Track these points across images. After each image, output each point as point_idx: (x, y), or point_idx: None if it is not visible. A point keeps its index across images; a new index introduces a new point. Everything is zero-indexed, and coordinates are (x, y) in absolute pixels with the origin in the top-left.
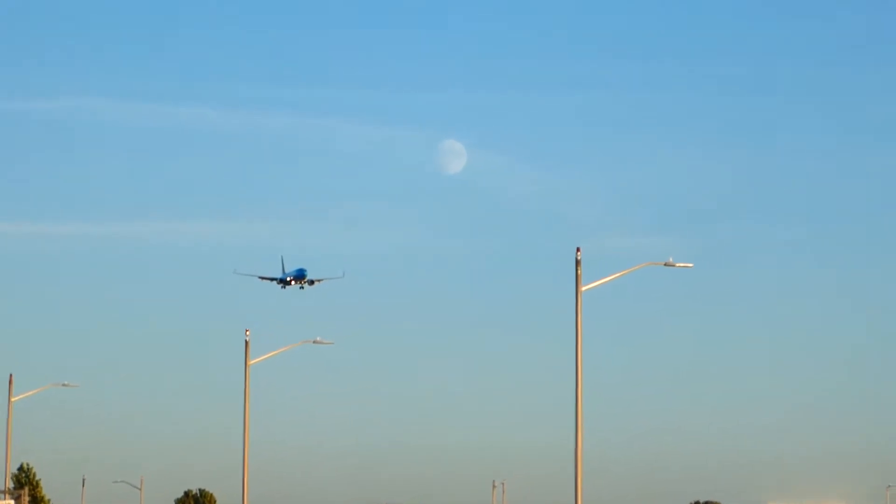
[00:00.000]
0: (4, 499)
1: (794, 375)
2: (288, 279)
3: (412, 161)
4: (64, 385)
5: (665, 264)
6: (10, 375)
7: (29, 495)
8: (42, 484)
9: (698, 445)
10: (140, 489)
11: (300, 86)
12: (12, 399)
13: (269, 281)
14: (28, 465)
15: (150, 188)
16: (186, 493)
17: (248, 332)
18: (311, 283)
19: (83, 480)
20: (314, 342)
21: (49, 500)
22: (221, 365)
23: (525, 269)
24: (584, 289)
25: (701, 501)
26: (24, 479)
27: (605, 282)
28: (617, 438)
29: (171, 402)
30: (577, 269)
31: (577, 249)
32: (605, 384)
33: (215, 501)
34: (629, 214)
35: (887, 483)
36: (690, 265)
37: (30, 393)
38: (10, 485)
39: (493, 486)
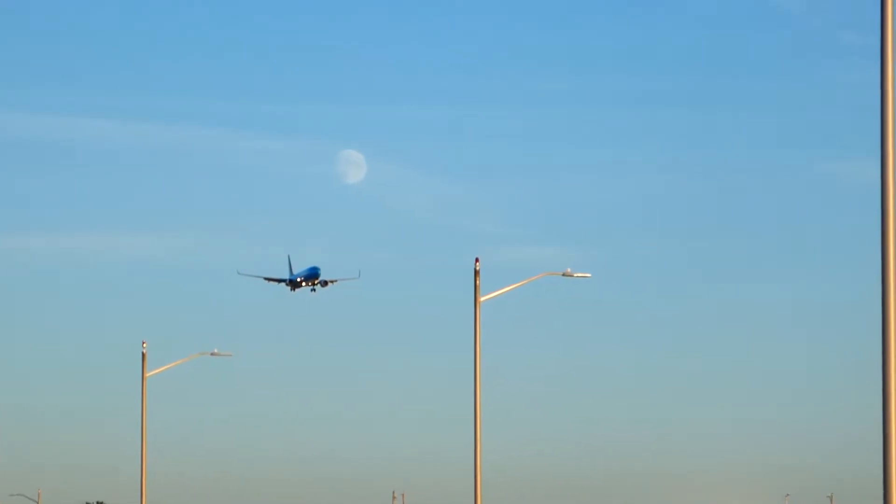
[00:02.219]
0: None
1: (691, 385)
2: (298, 280)
3: (311, 171)
4: None
5: (563, 274)
6: None
7: None
8: None
9: (597, 456)
10: (38, 502)
11: (196, 97)
12: None
13: (275, 282)
14: None
15: (43, 201)
16: None
17: (144, 344)
18: (325, 283)
19: None
20: (212, 354)
21: None
22: (120, 377)
23: (424, 279)
24: (482, 299)
25: None
26: None
27: (504, 292)
28: (516, 449)
29: (69, 414)
30: (475, 280)
31: (476, 260)
32: (505, 394)
33: None
34: (528, 225)
35: (786, 492)
36: (588, 275)
37: None
38: None
39: (393, 498)
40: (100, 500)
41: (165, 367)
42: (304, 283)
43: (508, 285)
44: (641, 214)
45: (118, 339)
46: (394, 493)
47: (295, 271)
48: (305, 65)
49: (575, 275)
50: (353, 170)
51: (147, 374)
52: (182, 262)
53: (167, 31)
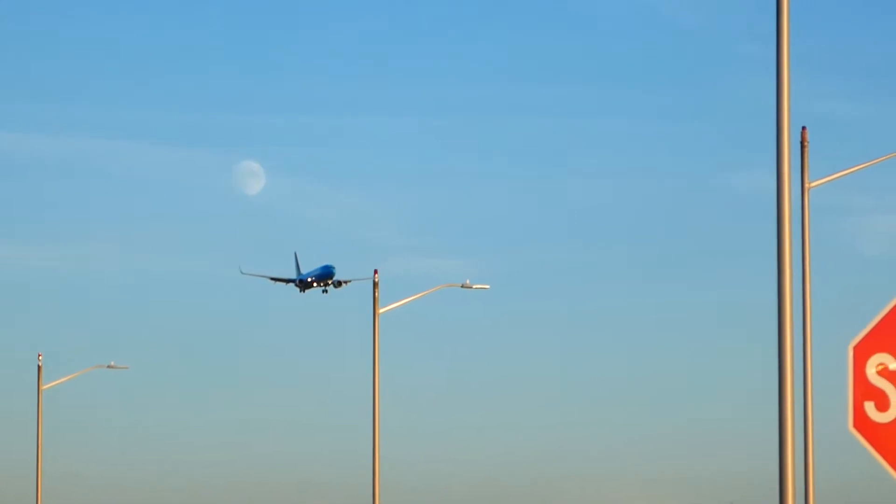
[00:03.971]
0: None
1: (589, 394)
2: (309, 280)
3: (210, 183)
4: None
5: (462, 286)
6: None
7: None
8: None
9: (496, 465)
10: None
11: (93, 106)
12: None
13: (283, 283)
14: None
15: None
16: None
17: (40, 357)
18: (339, 284)
19: None
20: (108, 367)
21: None
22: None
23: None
24: (381, 311)
25: None
26: None
27: (403, 304)
28: (414, 459)
29: None
30: (374, 292)
31: (375, 272)
32: (405, 406)
33: None
34: (427, 237)
35: (689, 500)
36: (487, 286)
37: None
38: None
39: None
40: None
41: (61, 380)
42: (315, 284)
43: (408, 296)
44: (541, 225)
45: (13, 352)
46: None
47: (304, 270)
48: (204, 75)
49: (474, 286)
50: (251, 181)
51: (43, 387)
52: (79, 274)
53: (60, 39)
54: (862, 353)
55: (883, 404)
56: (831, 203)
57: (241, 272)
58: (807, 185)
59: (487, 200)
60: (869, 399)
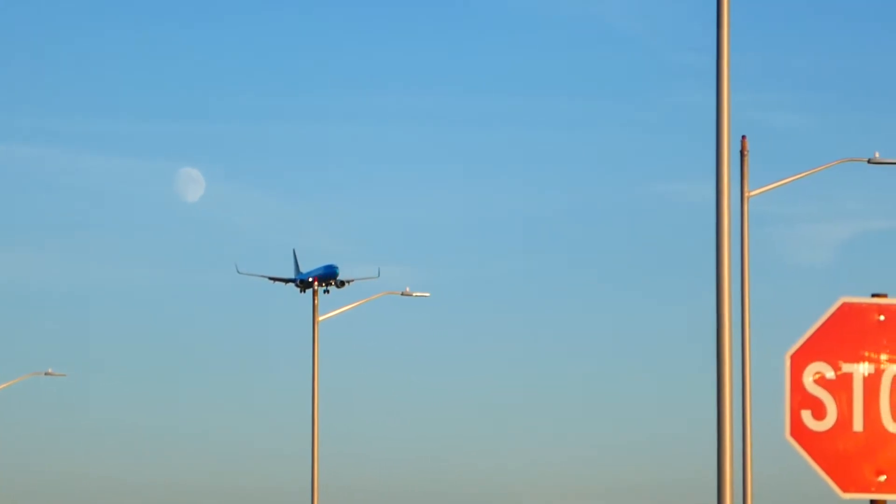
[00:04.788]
0: None
1: (529, 403)
2: (310, 279)
3: (149, 190)
4: None
5: (402, 294)
6: None
7: None
8: None
9: (438, 471)
10: None
11: (31, 115)
12: None
13: (282, 282)
14: None
15: None
16: None
17: None
18: (342, 284)
19: None
20: (45, 374)
21: None
22: None
23: (262, 299)
24: (320, 319)
25: None
26: None
27: (343, 311)
28: (355, 468)
29: None
30: (314, 299)
31: (314, 279)
32: (344, 414)
33: None
34: (368, 245)
35: None
36: (427, 294)
37: None
38: None
39: None
40: None
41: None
42: (317, 284)
43: (349, 304)
44: (481, 233)
45: None
46: None
47: (304, 269)
48: (144, 84)
49: (414, 294)
50: (192, 188)
51: None
52: (17, 283)
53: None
54: (799, 362)
55: (820, 413)
56: (771, 212)
57: (238, 271)
58: (746, 194)
59: (429, 209)
60: (806, 408)
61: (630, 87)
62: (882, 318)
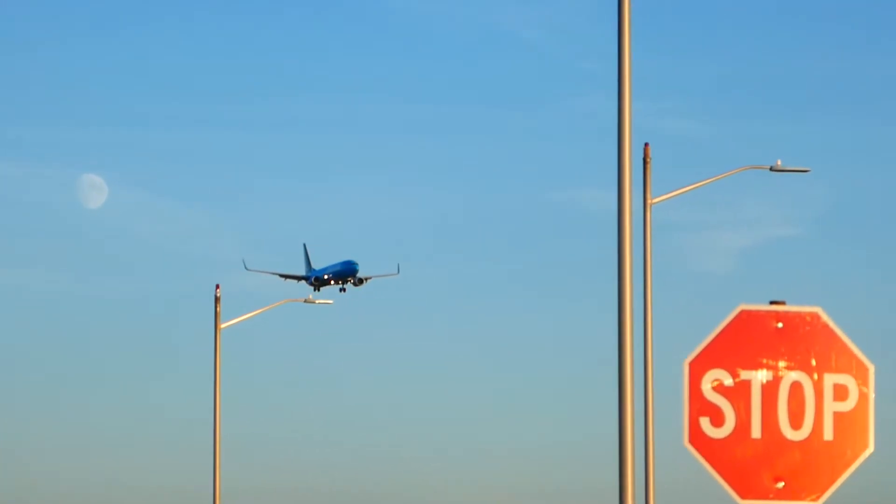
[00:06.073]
0: None
1: (437, 410)
2: (325, 276)
3: (50, 197)
4: None
5: (305, 301)
6: None
7: None
8: None
9: (338, 480)
10: None
11: None
12: None
13: (294, 280)
14: None
15: None
16: None
17: None
18: (360, 281)
19: None
20: None
21: None
22: None
23: (165, 307)
24: (222, 326)
25: None
26: None
27: (245, 319)
28: (256, 475)
29: None
30: (216, 307)
31: (217, 287)
32: (246, 422)
33: None
34: (270, 252)
35: None
36: (330, 302)
37: None
38: None
39: None
40: None
41: None
42: (332, 281)
43: (250, 312)
44: (386, 240)
45: None
46: None
47: (317, 265)
48: (45, 87)
49: (317, 301)
50: (93, 194)
51: None
52: None
53: None
54: (697, 369)
55: (718, 420)
56: (674, 219)
57: (246, 268)
58: (649, 202)
59: (332, 216)
60: (704, 415)
61: (533, 94)
62: (780, 325)
